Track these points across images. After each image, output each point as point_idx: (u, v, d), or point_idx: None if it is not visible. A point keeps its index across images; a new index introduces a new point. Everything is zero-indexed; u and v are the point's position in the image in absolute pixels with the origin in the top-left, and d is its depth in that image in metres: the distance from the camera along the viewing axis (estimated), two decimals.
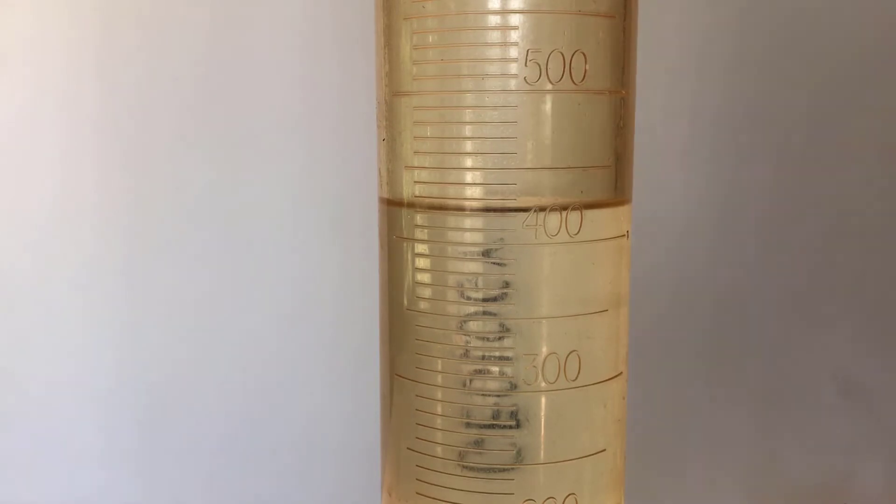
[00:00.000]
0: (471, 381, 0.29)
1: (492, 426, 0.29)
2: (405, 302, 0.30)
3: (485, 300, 0.28)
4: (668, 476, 0.53)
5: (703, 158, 0.50)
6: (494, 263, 0.28)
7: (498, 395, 0.29)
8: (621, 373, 0.31)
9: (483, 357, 0.28)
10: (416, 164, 0.29)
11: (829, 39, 0.50)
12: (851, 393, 0.53)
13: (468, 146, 0.28)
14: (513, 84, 0.27)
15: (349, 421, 0.50)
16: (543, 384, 0.29)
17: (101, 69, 0.47)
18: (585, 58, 0.27)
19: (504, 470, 0.29)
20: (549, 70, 0.27)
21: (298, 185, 0.49)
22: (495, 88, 0.27)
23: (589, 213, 0.28)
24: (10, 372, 0.49)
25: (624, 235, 0.30)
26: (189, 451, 0.50)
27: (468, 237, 0.28)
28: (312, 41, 0.48)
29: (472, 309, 0.28)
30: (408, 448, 0.30)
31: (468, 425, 0.29)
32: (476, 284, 0.28)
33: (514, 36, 0.27)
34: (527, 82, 0.27)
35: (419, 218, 0.29)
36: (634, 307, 0.32)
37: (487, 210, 0.28)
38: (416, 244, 0.29)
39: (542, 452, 0.29)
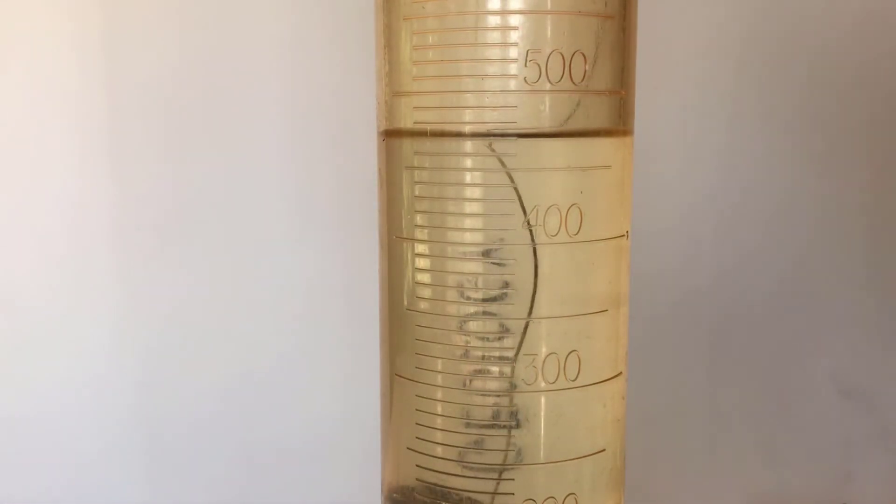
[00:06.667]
0: (471, 381, 0.29)
1: (492, 426, 0.29)
2: (405, 302, 0.30)
3: (484, 300, 0.28)
4: (668, 476, 0.53)
5: (704, 158, 0.50)
6: (494, 263, 0.28)
7: (498, 395, 0.29)
8: (621, 373, 0.31)
9: (483, 357, 0.28)
10: (416, 165, 0.29)
11: (831, 39, 0.50)
12: (851, 393, 0.53)
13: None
14: (512, 84, 0.27)
15: (349, 421, 0.50)
16: (543, 384, 0.29)
17: (103, 69, 0.47)
18: (585, 58, 0.27)
19: (504, 470, 0.29)
20: (548, 70, 0.27)
21: (298, 185, 0.49)
22: (495, 89, 0.27)
23: (589, 213, 0.28)
24: (11, 373, 0.49)
25: (624, 235, 0.30)
26: (189, 450, 0.50)
27: (468, 237, 0.28)
28: (313, 41, 0.48)
29: (471, 309, 0.28)
30: (408, 448, 0.30)
31: (468, 425, 0.29)
32: (476, 284, 0.28)
33: (514, 36, 0.27)
34: (526, 82, 0.27)
35: (420, 218, 0.29)
36: (634, 307, 0.32)
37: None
38: (416, 244, 0.29)
39: (541, 452, 0.29)
